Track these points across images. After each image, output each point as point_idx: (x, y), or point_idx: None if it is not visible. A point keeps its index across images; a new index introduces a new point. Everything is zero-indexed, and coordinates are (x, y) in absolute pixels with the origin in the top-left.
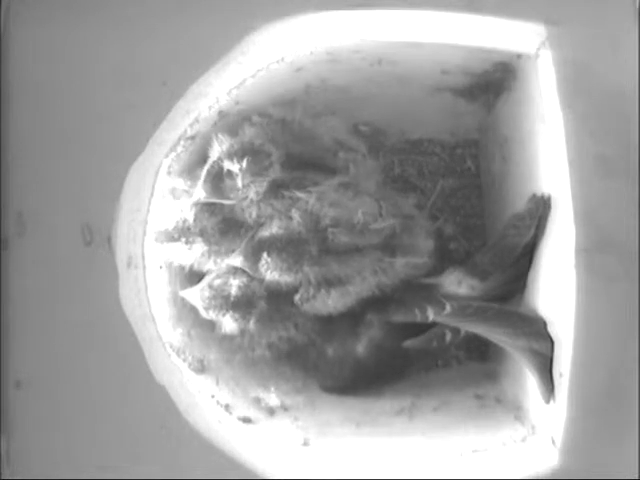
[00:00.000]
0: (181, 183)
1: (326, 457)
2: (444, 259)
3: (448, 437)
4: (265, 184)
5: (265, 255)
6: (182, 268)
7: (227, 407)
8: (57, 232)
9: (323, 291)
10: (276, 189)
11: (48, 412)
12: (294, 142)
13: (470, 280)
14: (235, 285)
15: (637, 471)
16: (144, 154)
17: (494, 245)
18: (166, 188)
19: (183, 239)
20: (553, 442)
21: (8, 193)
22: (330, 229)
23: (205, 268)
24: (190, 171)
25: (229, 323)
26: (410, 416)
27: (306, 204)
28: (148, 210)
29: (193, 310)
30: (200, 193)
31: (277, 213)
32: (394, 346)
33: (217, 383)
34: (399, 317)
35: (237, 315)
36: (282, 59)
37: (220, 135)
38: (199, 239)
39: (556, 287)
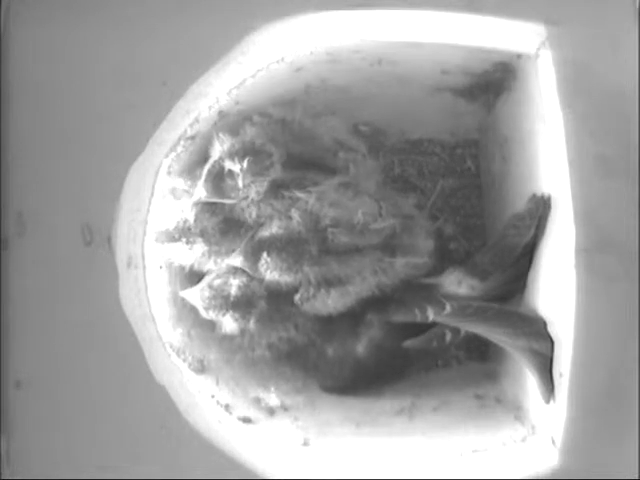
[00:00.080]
0: (181, 183)
1: (326, 457)
2: (444, 259)
3: (448, 437)
4: (266, 184)
5: (265, 255)
6: (182, 268)
7: (227, 407)
8: (57, 232)
9: (323, 291)
10: (276, 189)
11: (48, 412)
12: (294, 142)
13: (470, 280)
14: (235, 285)
15: (637, 471)
16: (144, 154)
17: (494, 245)
18: (166, 188)
19: (184, 239)
20: (553, 442)
21: (8, 193)
22: (330, 229)
23: (205, 268)
24: (190, 171)
25: (229, 323)
26: (410, 416)
27: (306, 204)
28: (148, 210)
29: (193, 310)
30: (201, 193)
31: (277, 213)
32: (394, 346)
33: (217, 383)
34: (399, 317)
35: (237, 315)
36: (282, 59)
37: (221, 135)
38: (199, 239)
39: (556, 287)
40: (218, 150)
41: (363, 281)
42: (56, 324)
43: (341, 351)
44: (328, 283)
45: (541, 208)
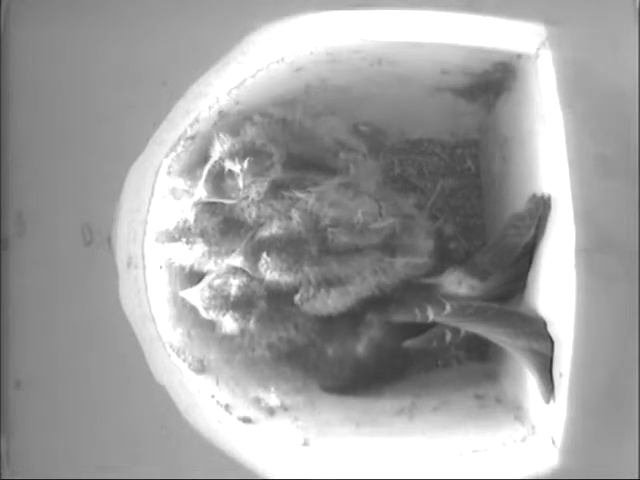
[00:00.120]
0: (181, 183)
1: (326, 457)
2: (444, 259)
3: (448, 437)
4: (266, 184)
5: (265, 255)
6: (182, 268)
7: (227, 407)
8: (57, 232)
9: (323, 291)
10: (276, 189)
11: (48, 412)
12: (294, 142)
13: (470, 280)
14: (235, 285)
15: (637, 471)
16: (144, 154)
17: (494, 245)
18: (166, 188)
19: (184, 239)
20: (553, 442)
21: (8, 193)
22: (330, 229)
23: (205, 268)
24: (190, 171)
25: (229, 323)
26: (410, 416)
27: (306, 204)
28: (148, 210)
29: (193, 310)
30: (201, 193)
31: (277, 213)
32: (394, 346)
33: (217, 383)
34: (399, 317)
35: (237, 315)
36: (282, 59)
37: (221, 135)
38: (200, 239)
39: (556, 287)
40: (218, 150)
41: (363, 281)
42: (56, 324)
43: (341, 351)
44: (328, 283)
45: (541, 208)
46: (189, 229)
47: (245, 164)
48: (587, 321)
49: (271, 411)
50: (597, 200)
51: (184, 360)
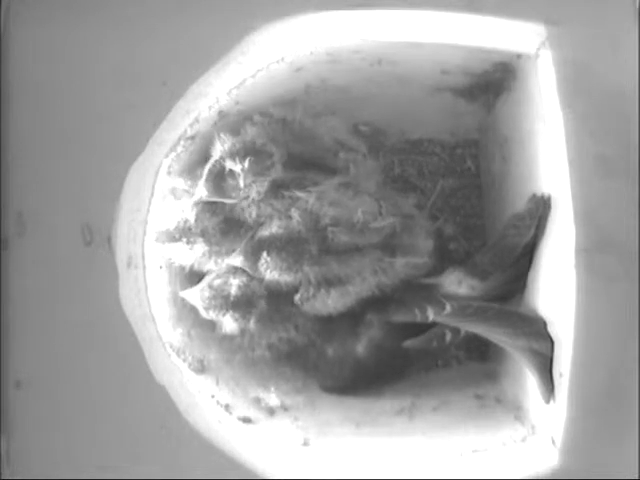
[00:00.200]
0: (181, 183)
1: (326, 457)
2: (444, 259)
3: (448, 437)
4: (266, 184)
5: (265, 255)
6: (182, 268)
7: (227, 407)
8: (57, 232)
9: (323, 291)
10: (276, 189)
11: (48, 412)
12: (295, 142)
13: (470, 280)
14: (235, 285)
15: (637, 471)
16: (144, 154)
17: (494, 245)
18: (166, 188)
19: (184, 239)
20: (553, 442)
21: (8, 193)
22: (330, 228)
23: (205, 268)
24: (190, 171)
25: (229, 323)
26: (410, 416)
27: (306, 203)
28: (148, 210)
29: (193, 310)
30: (201, 192)
31: (277, 213)
32: (394, 346)
33: (217, 383)
34: (399, 317)
35: (237, 315)
36: (282, 59)
37: (222, 134)
38: (200, 239)
39: (556, 287)
40: (219, 150)
41: (363, 281)
42: (56, 324)
43: (341, 351)
44: (328, 283)
45: (541, 208)
46: (190, 229)
47: (246, 164)
48: (587, 321)
49: (271, 411)
50: (597, 200)
51: (184, 360)
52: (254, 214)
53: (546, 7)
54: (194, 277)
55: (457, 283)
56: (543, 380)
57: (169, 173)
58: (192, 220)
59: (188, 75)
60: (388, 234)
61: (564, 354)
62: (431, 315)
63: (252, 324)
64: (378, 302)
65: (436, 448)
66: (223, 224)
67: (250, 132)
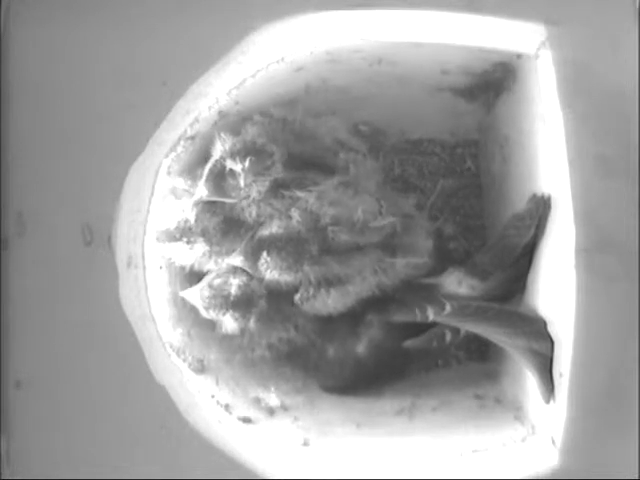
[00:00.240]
0: (181, 183)
1: (326, 457)
2: (444, 259)
3: (448, 437)
4: (267, 183)
5: (265, 254)
6: (182, 268)
7: (227, 407)
8: (57, 232)
9: (323, 291)
10: (277, 189)
11: (48, 412)
12: (295, 142)
13: (470, 280)
14: (235, 284)
15: (637, 471)
16: (144, 154)
17: (494, 245)
18: (167, 188)
19: (185, 239)
20: (553, 442)
21: (8, 193)
22: (330, 228)
23: (205, 268)
24: (190, 171)
25: (229, 323)
26: (410, 416)
27: (306, 203)
28: (148, 210)
29: (193, 310)
30: (202, 192)
31: (277, 212)
32: (394, 346)
33: (217, 383)
34: (399, 317)
35: (237, 314)
36: (282, 59)
37: (222, 134)
38: (201, 239)
39: (556, 287)
40: (219, 149)
41: (363, 281)
42: (56, 324)
43: (341, 351)
44: (328, 283)
45: (541, 208)
46: (190, 229)
47: (246, 163)
48: (587, 321)
49: (271, 411)
50: (597, 200)
51: (184, 360)
52: (254, 214)
53: (546, 7)
54: (194, 277)
55: (457, 283)
56: (543, 380)
57: (169, 173)
58: (192, 220)
59: (188, 75)
60: (388, 234)
61: (564, 354)
62: (431, 315)
63: (252, 324)
64: (378, 302)
65: (436, 448)
66: (223, 224)
67: (250, 132)
